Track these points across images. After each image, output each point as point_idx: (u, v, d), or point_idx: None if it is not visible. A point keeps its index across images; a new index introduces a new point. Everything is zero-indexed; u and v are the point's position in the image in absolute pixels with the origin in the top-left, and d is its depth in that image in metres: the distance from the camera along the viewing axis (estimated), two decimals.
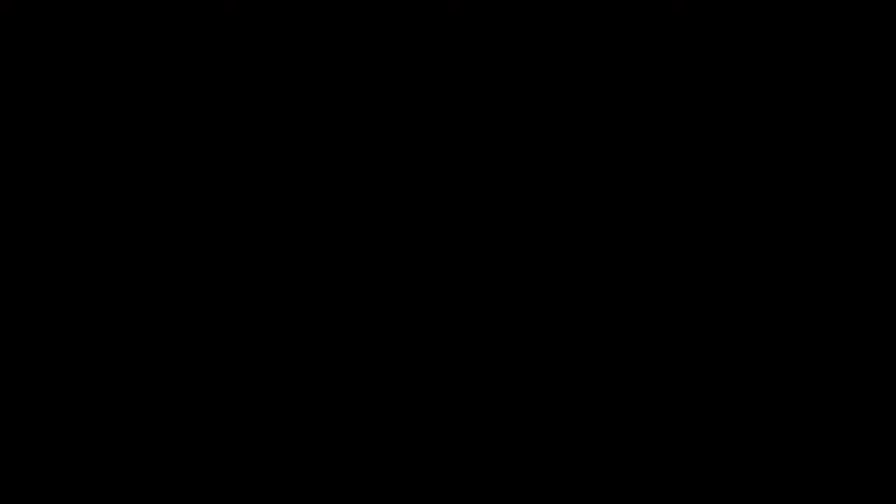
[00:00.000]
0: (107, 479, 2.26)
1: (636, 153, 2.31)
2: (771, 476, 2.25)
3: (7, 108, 2.32)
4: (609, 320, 2.29)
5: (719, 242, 2.29)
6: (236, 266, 2.31)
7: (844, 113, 2.30)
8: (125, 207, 2.31)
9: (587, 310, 2.29)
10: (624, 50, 2.31)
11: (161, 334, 2.29)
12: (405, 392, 2.28)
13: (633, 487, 2.26)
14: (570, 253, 2.30)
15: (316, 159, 2.32)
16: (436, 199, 2.32)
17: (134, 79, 2.32)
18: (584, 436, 2.27)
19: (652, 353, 2.28)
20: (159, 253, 2.30)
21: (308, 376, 2.29)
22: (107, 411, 2.27)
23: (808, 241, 2.29)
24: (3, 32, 2.32)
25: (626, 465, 2.26)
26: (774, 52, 2.31)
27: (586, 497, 2.25)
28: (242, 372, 2.29)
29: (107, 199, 2.31)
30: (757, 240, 2.29)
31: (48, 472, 2.26)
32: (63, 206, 2.30)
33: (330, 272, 2.31)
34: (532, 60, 2.32)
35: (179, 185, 2.31)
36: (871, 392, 2.26)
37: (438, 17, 2.32)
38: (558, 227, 2.31)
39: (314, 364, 2.29)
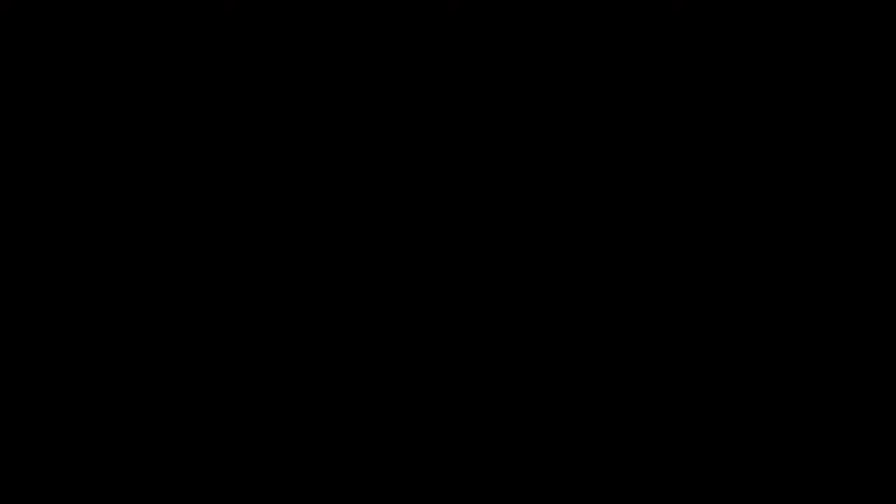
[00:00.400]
0: (107, 479, 2.26)
1: (636, 153, 2.31)
2: (771, 476, 2.25)
3: (7, 108, 2.32)
4: (609, 320, 2.29)
5: (719, 242, 2.29)
6: (236, 266, 2.31)
7: (844, 113, 2.30)
8: (125, 207, 2.31)
9: (587, 310, 2.29)
10: (624, 50, 2.31)
11: (161, 334, 2.29)
12: (405, 392, 2.29)
13: (633, 487, 2.26)
14: (571, 253, 2.30)
15: (316, 159, 2.32)
16: (436, 198, 2.32)
17: (134, 79, 2.32)
18: (584, 436, 2.27)
19: (652, 353, 2.28)
20: (159, 253, 2.30)
21: (308, 376, 2.29)
22: (107, 411, 2.27)
23: (808, 240, 2.29)
24: (2, 32, 2.32)
25: (626, 466, 2.26)
26: (774, 52, 2.31)
27: (586, 497, 2.25)
28: (242, 372, 2.29)
29: (107, 199, 2.31)
30: (757, 240, 2.29)
31: (48, 472, 2.26)
32: (63, 206, 2.30)
33: (330, 272, 2.31)
34: (532, 60, 2.32)
35: (179, 184, 2.31)
36: (871, 392, 2.26)
37: (438, 17, 2.32)
38: (559, 226, 2.31)
39: (314, 364, 2.29)
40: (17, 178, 2.31)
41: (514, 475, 2.26)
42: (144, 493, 2.26)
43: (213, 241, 2.31)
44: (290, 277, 2.30)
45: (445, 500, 2.26)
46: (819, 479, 2.24)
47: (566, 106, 2.32)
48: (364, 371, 2.29)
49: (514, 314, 2.30)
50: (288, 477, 2.27)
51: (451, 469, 2.27)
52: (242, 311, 2.30)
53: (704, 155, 2.31)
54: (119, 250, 2.30)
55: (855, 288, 2.28)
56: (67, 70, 2.32)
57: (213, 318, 2.29)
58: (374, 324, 2.30)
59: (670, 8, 2.31)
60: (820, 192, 2.29)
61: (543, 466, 2.26)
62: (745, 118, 2.31)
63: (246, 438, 2.27)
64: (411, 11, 2.32)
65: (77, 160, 2.31)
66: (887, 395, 2.25)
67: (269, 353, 2.29)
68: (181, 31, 2.32)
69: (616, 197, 2.31)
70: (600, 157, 2.31)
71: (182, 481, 2.26)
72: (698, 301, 2.29)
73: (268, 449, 2.27)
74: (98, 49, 2.32)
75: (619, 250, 2.30)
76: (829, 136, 2.30)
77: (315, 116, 2.33)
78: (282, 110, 2.33)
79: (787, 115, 2.31)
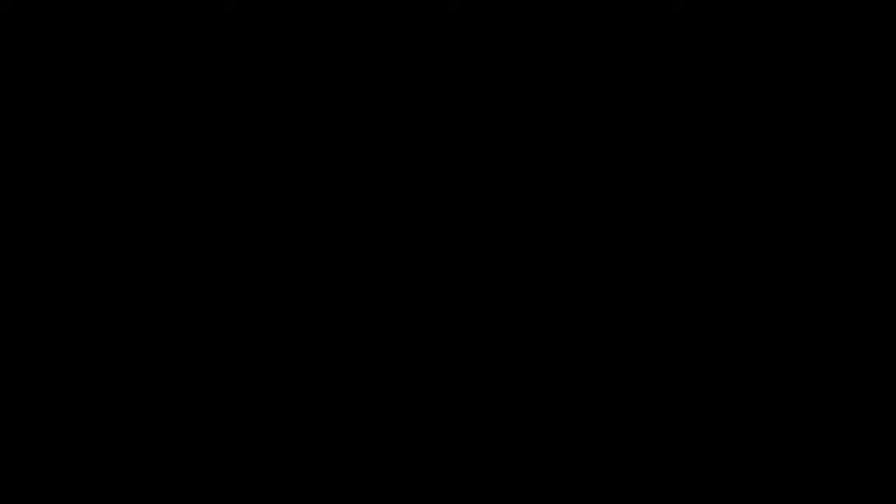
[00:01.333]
0: (107, 479, 2.26)
1: (636, 153, 2.31)
2: (771, 476, 2.25)
3: (7, 108, 2.32)
4: (609, 320, 2.29)
5: (719, 242, 2.29)
6: (236, 266, 2.31)
7: (844, 113, 2.30)
8: (125, 207, 2.31)
9: (587, 310, 2.29)
10: (624, 50, 2.31)
11: (161, 334, 2.29)
12: (405, 392, 2.29)
13: (633, 487, 2.26)
14: (571, 253, 2.30)
15: (316, 159, 2.32)
16: (436, 199, 2.32)
17: (134, 79, 2.32)
18: (584, 436, 2.27)
19: (652, 354, 2.28)
20: (159, 253, 2.30)
21: (308, 376, 2.29)
22: (107, 411, 2.27)
23: (808, 241, 2.29)
24: (2, 32, 2.32)
25: (627, 466, 2.26)
26: (774, 52, 2.31)
27: (586, 497, 2.25)
28: (242, 372, 2.29)
29: (107, 199, 2.31)
30: (757, 240, 2.29)
31: (48, 472, 2.26)
32: (63, 206, 2.30)
33: (330, 272, 2.31)
34: (532, 60, 2.32)
35: (179, 185, 2.31)
36: (871, 392, 2.26)
37: (438, 17, 2.32)
38: (559, 227, 2.31)
39: (314, 364, 2.29)
40: (17, 178, 2.31)
41: (514, 475, 2.27)
42: (144, 493, 2.26)
43: (214, 241, 2.31)
44: (290, 277, 2.30)
45: (445, 500, 2.26)
46: (819, 479, 2.24)
47: (566, 106, 2.32)
48: (364, 371, 2.29)
49: (514, 314, 2.30)
50: (288, 477, 2.27)
51: (451, 469, 2.27)
52: (242, 310, 2.30)
53: (704, 155, 2.31)
54: (119, 250, 2.30)
55: (855, 288, 2.28)
56: (67, 70, 2.32)
57: (213, 317, 2.30)
58: (373, 324, 2.30)
59: (670, 8, 2.31)
60: (820, 191, 2.29)
61: (543, 466, 2.27)
62: (745, 118, 2.31)
63: (246, 438, 2.27)
64: (411, 11, 2.32)
65: (77, 160, 2.31)
66: (887, 395, 2.25)
67: (269, 353, 2.29)
68: (181, 31, 2.32)
69: (616, 197, 2.31)
70: (601, 156, 2.31)
71: (182, 481, 2.26)
72: (698, 301, 2.29)
73: (268, 449, 2.27)
74: (98, 49, 2.32)
75: (619, 250, 2.30)
76: (830, 136, 2.30)
77: (315, 116, 2.33)
78: (282, 110, 2.33)
79: (787, 115, 2.31)
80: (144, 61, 2.32)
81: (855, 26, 2.30)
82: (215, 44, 2.32)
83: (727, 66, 2.31)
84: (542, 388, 2.28)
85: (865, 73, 2.30)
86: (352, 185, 2.32)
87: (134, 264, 2.30)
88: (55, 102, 2.32)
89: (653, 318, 2.29)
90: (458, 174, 2.32)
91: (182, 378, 2.28)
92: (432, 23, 2.32)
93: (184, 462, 2.26)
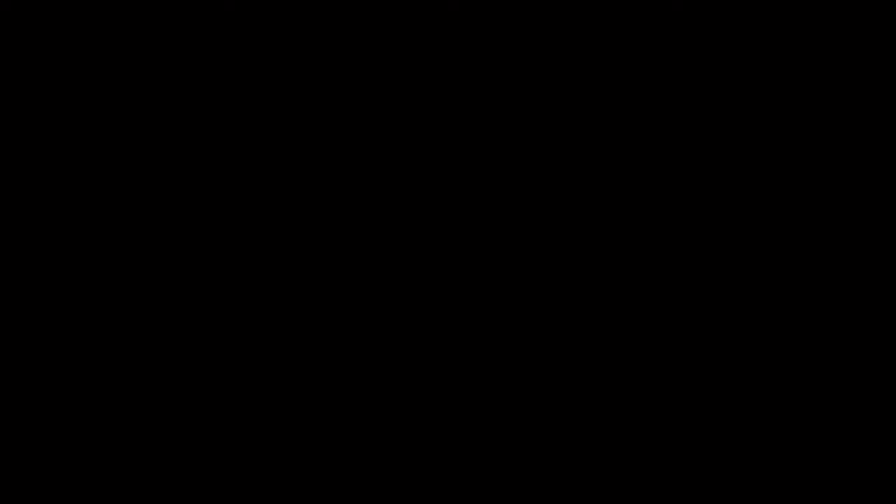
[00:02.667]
0: (107, 479, 2.26)
1: (636, 153, 2.31)
2: (771, 476, 2.25)
3: (7, 108, 2.32)
4: (609, 320, 2.29)
5: (719, 242, 2.29)
6: (237, 266, 2.31)
7: (844, 113, 2.30)
8: (125, 207, 2.31)
9: (587, 310, 2.30)
10: (624, 50, 2.31)
11: (161, 334, 2.29)
12: (405, 392, 2.29)
13: (633, 487, 2.26)
14: (571, 253, 2.30)
15: (316, 159, 2.32)
16: (436, 199, 2.32)
17: (134, 79, 2.32)
18: (584, 436, 2.27)
19: (652, 354, 2.28)
20: (159, 253, 2.30)
21: (308, 376, 2.29)
22: (107, 411, 2.28)
23: (808, 241, 2.29)
24: (2, 32, 2.32)
25: (627, 466, 2.26)
26: (774, 52, 2.31)
27: (586, 497, 2.26)
28: (242, 372, 2.29)
29: (107, 199, 2.31)
30: (757, 240, 2.29)
31: (48, 472, 2.26)
32: (63, 206, 2.30)
33: (330, 272, 2.31)
34: (532, 60, 2.32)
35: (179, 185, 2.31)
36: (871, 392, 2.26)
37: (438, 17, 2.32)
38: (558, 227, 2.31)
39: (314, 364, 2.29)
40: (17, 178, 2.31)
41: (514, 475, 2.27)
42: (144, 493, 2.26)
43: (214, 242, 2.31)
44: (290, 277, 2.31)
45: (445, 500, 2.26)
46: (819, 479, 2.24)
47: (566, 106, 2.32)
48: (364, 371, 2.29)
49: (514, 314, 2.30)
50: (288, 477, 2.27)
51: (451, 469, 2.27)
52: (242, 311, 2.30)
53: (704, 155, 2.31)
54: (119, 250, 2.30)
55: (855, 288, 2.28)
56: (67, 70, 2.32)
57: (214, 318, 2.30)
58: (374, 324, 2.30)
59: (670, 8, 2.31)
60: (820, 192, 2.30)
61: (543, 466, 2.27)
62: (744, 118, 2.31)
63: (246, 438, 2.27)
64: (411, 11, 2.32)
65: (77, 160, 2.31)
66: (887, 395, 2.25)
67: (269, 354, 2.29)
68: (181, 31, 2.32)
69: (616, 197, 2.31)
70: (600, 157, 2.32)
71: (182, 481, 2.26)
72: (698, 301, 2.29)
73: (268, 449, 2.27)
74: (98, 49, 2.32)
75: (618, 250, 2.30)
76: (829, 137, 2.30)
77: (315, 116, 2.33)
78: (282, 110, 2.33)
79: (786, 116, 2.31)
80: (144, 61, 2.32)
81: (855, 26, 2.30)
82: (215, 44, 2.32)
83: (727, 66, 2.31)
84: (542, 388, 2.28)
85: (865, 73, 2.30)
86: (351, 185, 2.32)
87: (134, 264, 2.30)
88: (55, 102, 2.32)
89: (652, 318, 2.29)
90: (457, 174, 2.32)
91: (181, 378, 2.28)
92: (432, 23, 2.32)
93: (184, 462, 2.26)
